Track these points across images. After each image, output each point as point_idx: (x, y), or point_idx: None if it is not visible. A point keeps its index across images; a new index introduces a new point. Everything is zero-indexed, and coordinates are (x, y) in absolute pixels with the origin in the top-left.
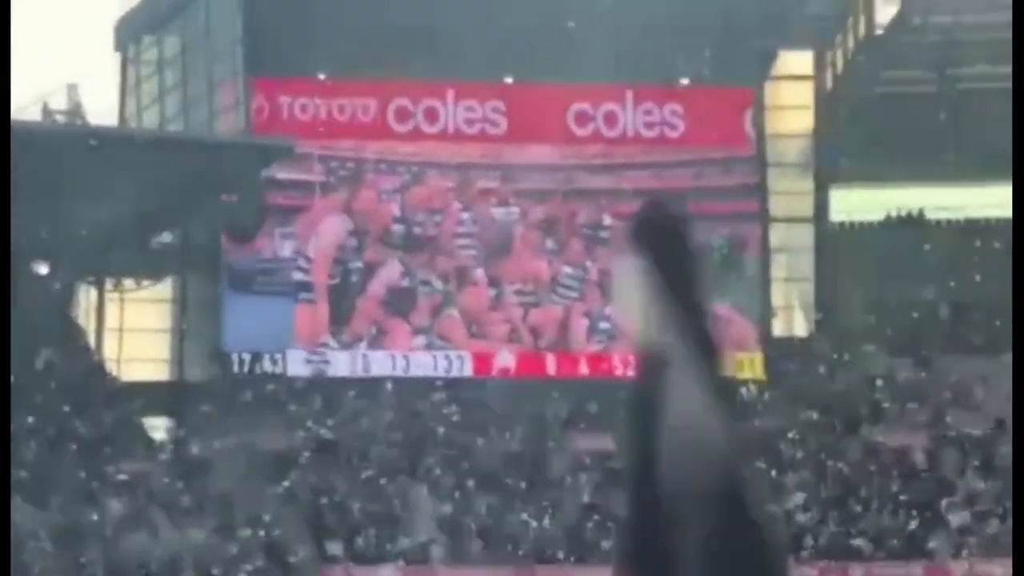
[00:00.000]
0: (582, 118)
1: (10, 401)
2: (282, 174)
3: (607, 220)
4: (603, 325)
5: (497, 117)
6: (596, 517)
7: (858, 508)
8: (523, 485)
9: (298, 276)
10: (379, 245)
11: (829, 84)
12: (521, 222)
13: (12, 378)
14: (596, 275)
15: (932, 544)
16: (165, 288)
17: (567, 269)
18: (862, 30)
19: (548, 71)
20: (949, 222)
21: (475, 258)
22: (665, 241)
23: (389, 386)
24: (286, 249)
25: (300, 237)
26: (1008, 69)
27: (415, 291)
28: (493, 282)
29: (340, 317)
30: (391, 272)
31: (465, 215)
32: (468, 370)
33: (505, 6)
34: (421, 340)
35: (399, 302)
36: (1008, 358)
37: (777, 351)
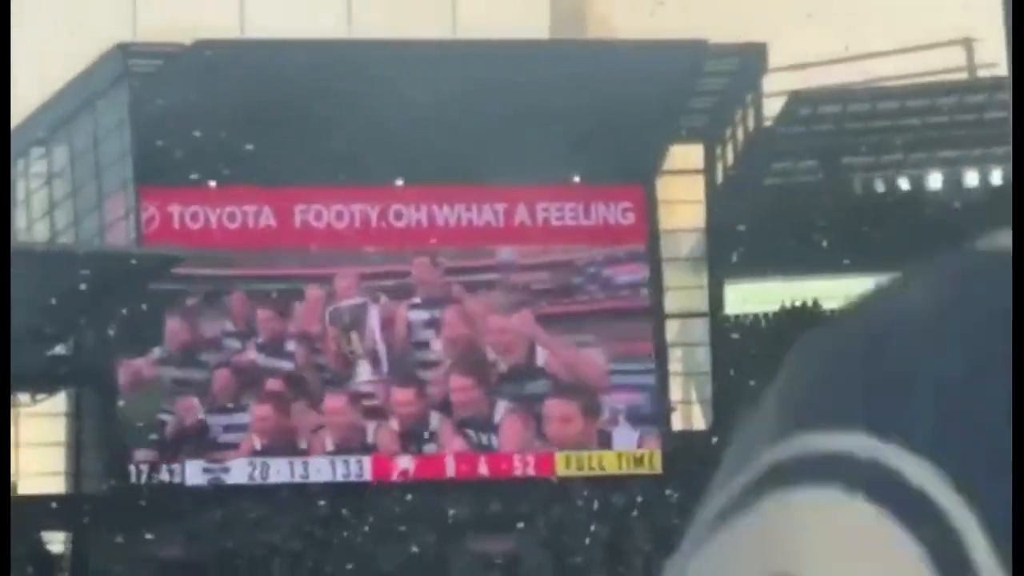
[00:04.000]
0: (474, 219)
1: (10, 401)
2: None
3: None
4: None
5: (391, 220)
6: None
7: None
8: None
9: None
10: (266, 354)
11: (720, 177)
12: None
13: None
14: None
15: None
16: (60, 401)
17: None
18: (751, 122)
19: (439, 174)
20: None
21: (378, 362)
22: None
23: (288, 493)
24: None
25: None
26: (898, 156)
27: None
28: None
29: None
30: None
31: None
32: (368, 475)
33: (393, 110)
34: (320, 445)
35: (297, 406)
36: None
37: (675, 446)
